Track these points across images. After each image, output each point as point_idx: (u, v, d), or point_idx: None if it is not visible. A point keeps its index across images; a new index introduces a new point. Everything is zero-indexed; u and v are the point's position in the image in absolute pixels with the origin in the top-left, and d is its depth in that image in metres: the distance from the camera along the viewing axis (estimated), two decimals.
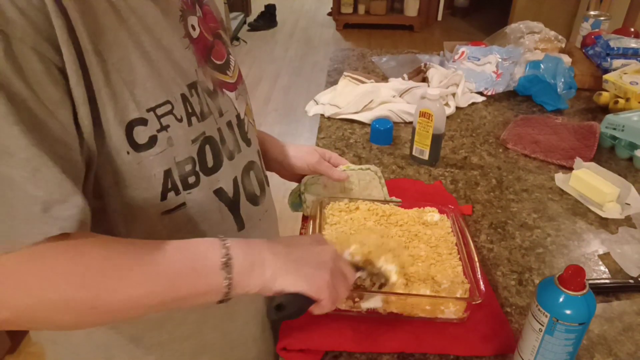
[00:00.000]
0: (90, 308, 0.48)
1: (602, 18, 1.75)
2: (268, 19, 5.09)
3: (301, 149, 0.92)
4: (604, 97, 1.42)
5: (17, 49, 0.43)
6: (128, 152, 0.53)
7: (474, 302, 0.73)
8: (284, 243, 0.61)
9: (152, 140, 0.54)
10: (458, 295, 0.75)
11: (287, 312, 0.57)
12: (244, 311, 0.77)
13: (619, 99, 1.38)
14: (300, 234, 0.93)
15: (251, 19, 5.15)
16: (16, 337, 1.80)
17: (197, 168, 0.60)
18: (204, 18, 0.66)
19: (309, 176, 0.92)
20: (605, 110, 1.42)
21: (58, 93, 0.47)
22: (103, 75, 0.49)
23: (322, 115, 1.42)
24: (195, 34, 0.63)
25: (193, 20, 0.63)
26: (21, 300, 0.45)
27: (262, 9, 5.14)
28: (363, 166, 0.92)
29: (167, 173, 0.57)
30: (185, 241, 0.54)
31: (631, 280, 0.85)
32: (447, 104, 1.43)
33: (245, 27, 5.02)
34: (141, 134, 0.53)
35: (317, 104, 1.48)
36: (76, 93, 0.48)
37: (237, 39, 4.66)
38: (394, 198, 0.95)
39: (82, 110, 0.49)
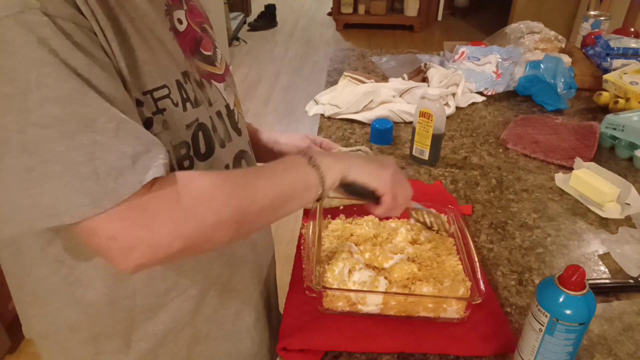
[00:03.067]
0: (234, 223, 0.55)
1: (602, 18, 1.75)
2: (268, 19, 5.09)
3: (292, 136, 0.94)
4: (604, 97, 1.42)
5: (62, 24, 0.47)
6: None
7: (474, 302, 0.73)
8: (349, 154, 0.74)
9: (149, 122, 0.57)
10: (460, 293, 0.75)
11: (353, 188, 0.69)
12: (237, 300, 0.77)
13: (619, 99, 1.38)
14: (300, 234, 0.93)
15: (251, 19, 5.15)
16: (16, 337, 1.80)
17: (191, 152, 0.62)
18: (190, 12, 0.68)
19: None
20: (605, 110, 1.42)
21: (105, 57, 0.51)
22: (120, 52, 0.52)
23: (322, 115, 1.42)
24: (182, 27, 0.65)
25: (180, 14, 0.65)
26: (187, 227, 0.52)
27: (262, 9, 5.14)
28: (354, 148, 0.92)
29: None
30: (274, 161, 0.65)
31: (631, 280, 0.85)
32: (447, 104, 1.42)
33: (245, 27, 5.02)
34: (140, 114, 0.56)
35: (317, 104, 1.48)
36: (112, 60, 0.52)
37: (237, 39, 4.66)
38: None
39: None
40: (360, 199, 0.72)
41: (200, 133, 0.64)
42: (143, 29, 0.56)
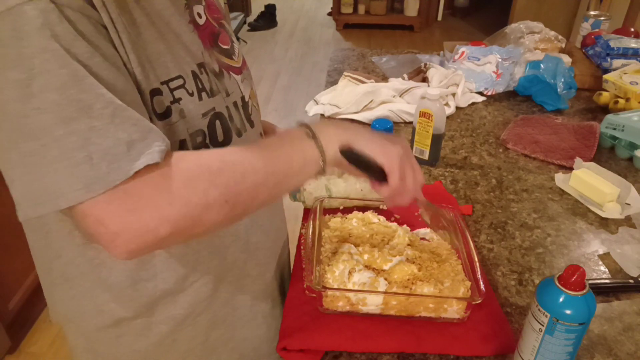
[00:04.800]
0: (224, 204, 0.54)
1: (602, 18, 1.75)
2: (268, 19, 5.09)
3: None
4: (604, 97, 1.42)
5: (69, 13, 0.48)
6: (151, 119, 0.57)
7: (474, 302, 0.73)
8: (357, 126, 0.68)
9: (168, 111, 0.58)
10: (460, 293, 0.75)
11: (357, 157, 0.63)
12: (254, 285, 0.79)
13: (619, 99, 1.38)
14: (300, 234, 0.93)
15: (251, 19, 5.15)
16: (16, 337, 1.80)
17: (207, 141, 0.63)
18: (208, 8, 0.69)
19: None
20: (605, 110, 1.42)
21: (111, 49, 0.52)
22: (130, 43, 0.53)
23: (322, 115, 1.42)
24: (201, 21, 0.66)
25: (199, 9, 0.66)
26: (173, 211, 0.51)
27: (262, 9, 5.14)
28: None
29: (182, 143, 0.60)
30: (270, 136, 0.62)
31: (631, 280, 0.85)
32: (447, 104, 1.43)
33: (245, 27, 5.02)
34: (160, 104, 0.57)
35: (317, 104, 1.48)
36: (120, 52, 0.53)
37: (237, 39, 4.64)
38: None
39: (128, 67, 0.54)
40: (365, 173, 0.65)
41: (218, 122, 0.65)
42: (159, 22, 0.58)
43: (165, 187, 0.51)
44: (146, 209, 0.51)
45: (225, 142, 0.66)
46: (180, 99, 0.59)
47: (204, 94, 0.62)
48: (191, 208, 0.52)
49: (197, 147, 0.62)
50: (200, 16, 0.66)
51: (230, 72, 0.70)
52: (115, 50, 0.52)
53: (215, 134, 0.64)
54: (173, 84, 0.59)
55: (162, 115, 0.58)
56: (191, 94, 0.61)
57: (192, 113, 0.61)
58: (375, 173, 0.65)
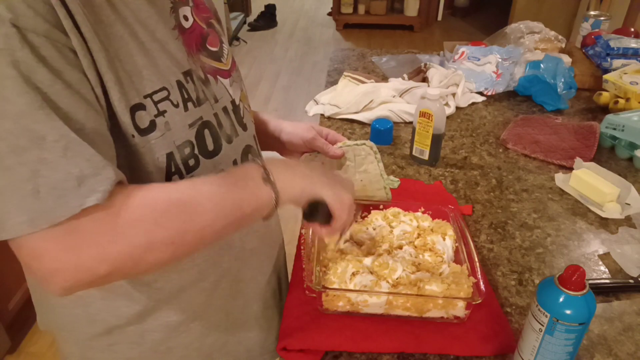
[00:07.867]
0: (170, 244, 0.53)
1: (602, 18, 1.75)
2: (268, 19, 5.09)
3: (298, 125, 0.93)
4: (604, 97, 1.42)
5: (33, 39, 0.46)
6: (134, 136, 0.56)
7: (474, 302, 0.73)
8: (317, 167, 0.70)
9: (152, 125, 0.57)
10: (466, 287, 0.74)
11: (315, 217, 0.68)
12: (246, 289, 0.78)
13: (619, 99, 1.38)
14: (300, 234, 0.92)
15: (251, 19, 5.15)
16: (16, 337, 1.80)
17: (196, 151, 0.63)
18: (196, 8, 0.68)
19: (308, 154, 0.92)
20: (605, 110, 1.42)
21: (77, 74, 0.50)
22: (106, 62, 0.52)
23: (322, 115, 1.42)
24: (188, 24, 0.65)
25: (186, 10, 0.65)
26: (114, 250, 0.50)
27: (262, 9, 5.14)
28: (359, 141, 0.92)
29: (170, 156, 0.60)
30: (227, 171, 0.62)
31: (631, 280, 0.85)
32: (447, 104, 1.43)
33: (245, 27, 5.02)
34: (142, 119, 0.56)
35: (317, 103, 1.48)
36: (89, 76, 0.51)
37: (237, 39, 4.66)
38: (391, 177, 0.95)
39: (97, 91, 0.52)
40: (313, 222, 0.70)
41: (206, 131, 0.64)
42: (141, 33, 0.57)
43: (110, 226, 0.49)
44: (87, 247, 0.49)
45: (216, 151, 0.65)
46: (165, 111, 0.58)
47: (190, 104, 0.61)
48: (134, 247, 0.51)
49: (185, 158, 0.61)
50: (186, 19, 0.65)
51: (218, 77, 0.69)
52: (82, 74, 0.51)
53: (205, 143, 0.64)
54: (157, 97, 0.57)
55: (146, 130, 0.57)
56: (176, 105, 0.60)
57: (178, 125, 0.60)
58: (323, 219, 0.68)
